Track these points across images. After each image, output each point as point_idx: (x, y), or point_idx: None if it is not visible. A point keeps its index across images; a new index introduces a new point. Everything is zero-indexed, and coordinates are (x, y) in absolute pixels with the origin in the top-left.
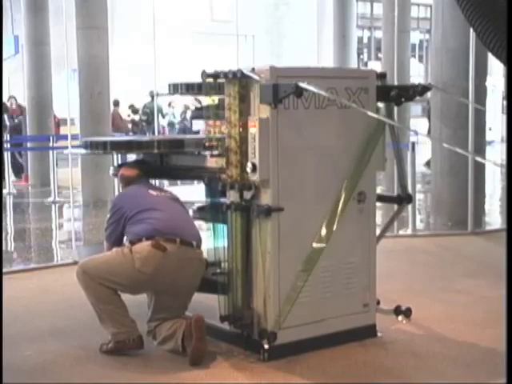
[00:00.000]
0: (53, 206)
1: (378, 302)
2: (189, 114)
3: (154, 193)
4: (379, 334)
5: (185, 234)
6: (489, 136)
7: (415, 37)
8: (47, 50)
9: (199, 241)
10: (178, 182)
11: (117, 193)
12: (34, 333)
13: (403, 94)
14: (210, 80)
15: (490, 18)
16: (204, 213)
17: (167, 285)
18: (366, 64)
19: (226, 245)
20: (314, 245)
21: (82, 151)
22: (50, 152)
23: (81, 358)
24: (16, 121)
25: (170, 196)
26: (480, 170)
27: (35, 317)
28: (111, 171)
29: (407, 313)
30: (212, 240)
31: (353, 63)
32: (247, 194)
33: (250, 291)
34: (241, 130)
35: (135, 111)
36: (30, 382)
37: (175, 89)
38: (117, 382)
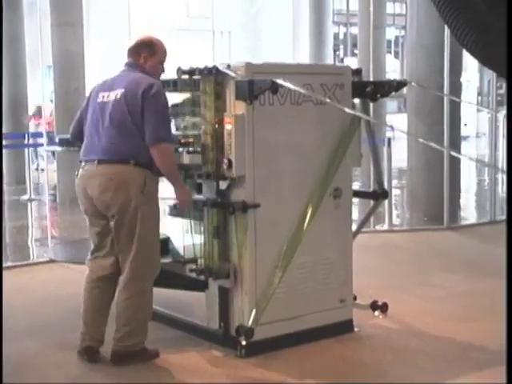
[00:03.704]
0: (28, 203)
1: (355, 298)
2: None
3: (100, 98)
4: (356, 329)
5: (92, 154)
6: (464, 131)
7: (391, 33)
8: (22, 46)
9: (110, 155)
10: None
11: None
12: (11, 331)
13: (379, 89)
14: (186, 77)
15: (463, 15)
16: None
17: (92, 208)
18: (342, 60)
19: (202, 241)
20: (289, 241)
21: (58, 149)
22: (26, 149)
23: (58, 356)
24: None
25: (111, 102)
26: (455, 165)
27: (12, 315)
28: None
29: (384, 308)
30: (189, 237)
31: (329, 59)
32: (223, 185)
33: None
34: (217, 126)
35: None
36: (8, 381)
37: None
38: (92, 382)
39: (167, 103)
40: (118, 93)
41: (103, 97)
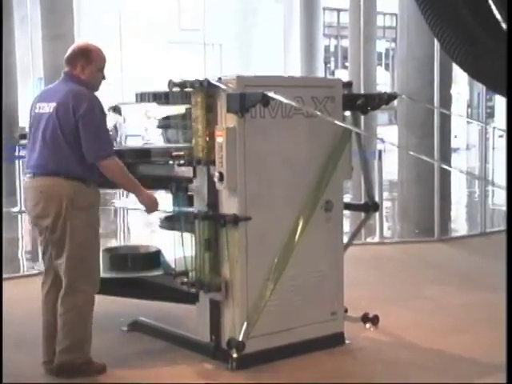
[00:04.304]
0: (19, 215)
1: (346, 310)
2: None
3: (37, 108)
4: (347, 342)
5: (29, 167)
6: (454, 143)
7: (381, 45)
8: (13, 59)
9: (42, 169)
10: None
11: None
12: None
13: (369, 102)
14: (177, 89)
15: (452, 28)
16: (171, 222)
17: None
18: (333, 73)
19: (193, 254)
20: (281, 253)
21: None
22: (16, 161)
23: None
24: None
25: (45, 115)
26: (446, 177)
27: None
28: None
29: (375, 320)
30: (180, 249)
31: (320, 72)
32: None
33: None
34: (208, 139)
35: None
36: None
37: (143, 98)
38: None
39: (103, 115)
40: (51, 106)
41: (39, 108)
